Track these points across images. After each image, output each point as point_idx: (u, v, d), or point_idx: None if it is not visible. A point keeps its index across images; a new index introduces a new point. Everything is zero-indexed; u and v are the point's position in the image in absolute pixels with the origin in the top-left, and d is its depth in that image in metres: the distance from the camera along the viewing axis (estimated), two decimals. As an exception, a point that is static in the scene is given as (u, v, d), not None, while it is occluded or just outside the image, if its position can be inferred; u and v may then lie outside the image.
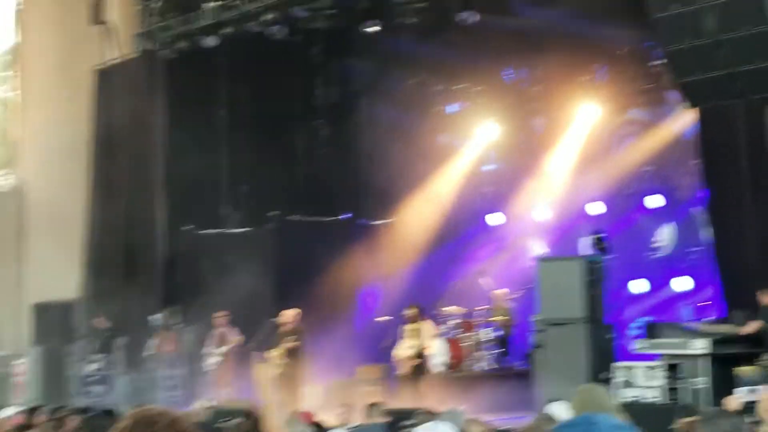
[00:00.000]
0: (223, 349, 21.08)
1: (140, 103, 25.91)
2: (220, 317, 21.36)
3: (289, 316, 19.75)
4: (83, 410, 14.24)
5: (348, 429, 11.46)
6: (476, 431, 7.72)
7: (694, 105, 18.66)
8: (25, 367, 24.18)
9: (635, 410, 11.10)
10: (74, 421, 12.09)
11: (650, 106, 24.12)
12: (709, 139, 18.63)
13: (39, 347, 23.81)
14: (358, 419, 12.52)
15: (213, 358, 21.31)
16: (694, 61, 17.36)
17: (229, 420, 13.02)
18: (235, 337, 20.99)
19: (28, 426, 12.07)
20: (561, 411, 9.79)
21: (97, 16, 26.91)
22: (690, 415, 9.80)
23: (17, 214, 30.85)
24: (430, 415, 8.72)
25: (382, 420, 9.70)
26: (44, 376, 23.31)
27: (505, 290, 23.17)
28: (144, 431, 4.19)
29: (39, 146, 30.65)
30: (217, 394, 21.12)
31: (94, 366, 24.01)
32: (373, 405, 10.00)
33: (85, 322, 24.97)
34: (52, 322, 24.19)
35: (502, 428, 13.00)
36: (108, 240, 26.03)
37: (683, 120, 22.80)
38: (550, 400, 11.55)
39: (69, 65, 30.09)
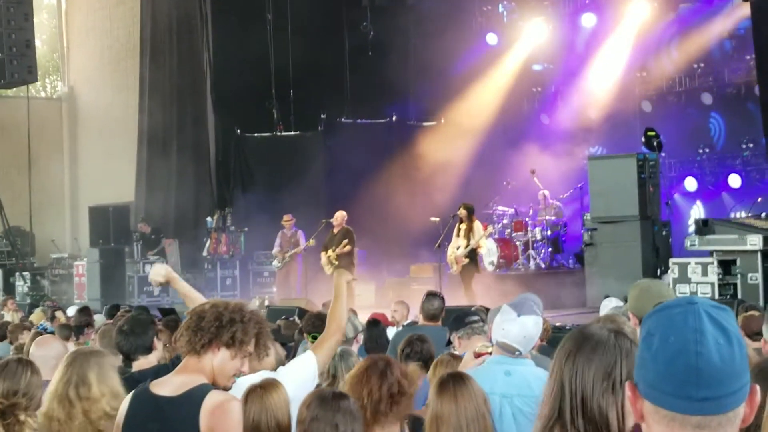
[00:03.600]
0: (292, 251, 21.17)
1: (187, 7, 25.87)
2: (288, 220, 21.38)
3: (339, 217, 19.85)
4: (143, 310, 14.46)
5: (403, 327, 11.56)
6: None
7: (747, -1, 18.37)
8: (84, 269, 24.61)
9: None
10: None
11: (702, 1, 23.69)
12: (763, 34, 18.35)
13: (96, 249, 24.20)
14: (410, 317, 12.64)
15: (280, 259, 21.40)
16: (750, -47, 17.03)
17: (284, 318, 13.21)
18: (303, 241, 21.03)
19: (89, 324, 12.30)
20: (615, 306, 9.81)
21: None
22: (747, 310, 9.82)
23: (69, 119, 31.11)
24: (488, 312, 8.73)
25: (439, 309, 9.75)
26: (102, 276, 23.73)
27: (555, 190, 23.14)
28: (197, 323, 4.33)
29: (87, 52, 30.75)
30: (278, 293, 21.36)
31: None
32: (430, 295, 10.00)
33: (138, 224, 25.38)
34: (108, 225, 24.55)
35: (556, 324, 13.11)
36: (160, 143, 26.23)
37: (736, 14, 22.44)
38: (606, 297, 11.63)
39: (114, -31, 30.00)
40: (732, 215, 20.60)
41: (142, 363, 6.19)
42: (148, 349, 6.28)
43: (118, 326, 6.66)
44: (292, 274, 21.43)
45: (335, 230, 19.79)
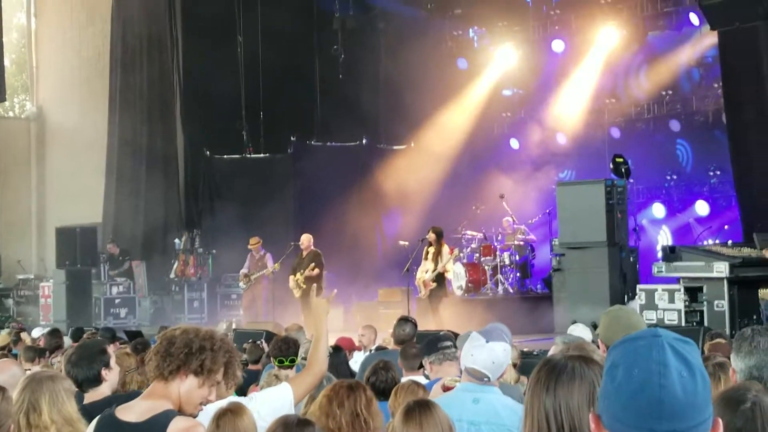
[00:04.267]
0: (258, 273, 21.11)
1: (158, 28, 25.81)
2: (255, 243, 21.30)
3: (305, 240, 19.81)
4: (108, 332, 14.37)
5: (371, 352, 11.53)
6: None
7: (715, 27, 18.52)
8: (50, 290, 24.42)
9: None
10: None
11: (671, 29, 23.90)
12: (731, 62, 18.52)
13: (62, 270, 24.01)
14: (377, 341, 12.62)
15: (246, 281, 21.33)
16: (718, -17, 17.19)
17: (251, 341, 13.14)
18: (271, 263, 20.99)
19: (59, 346, 12.22)
20: (583, 333, 9.84)
21: (113, -61, 26.69)
22: (713, 338, 9.86)
23: (37, 139, 30.91)
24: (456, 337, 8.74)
25: (410, 335, 9.74)
26: (69, 298, 23.54)
27: (524, 215, 23.20)
28: (166, 349, 4.28)
29: (57, 71, 30.59)
30: (245, 316, 21.23)
31: (117, 289, 24.26)
32: (402, 320, 10.00)
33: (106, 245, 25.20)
34: (75, 246, 24.36)
35: (524, 350, 13.11)
36: (128, 164, 26.10)
37: (704, 43, 22.65)
38: (573, 323, 11.65)
39: (85, -11, 29.90)
40: (699, 242, 20.71)
41: (92, 395, 5.92)
42: (96, 381, 5.96)
43: (68, 354, 6.43)
44: (258, 297, 21.37)
45: (304, 253, 19.74)
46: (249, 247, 21.33)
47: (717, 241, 18.47)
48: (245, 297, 21.60)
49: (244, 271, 21.33)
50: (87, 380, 5.97)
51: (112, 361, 6.11)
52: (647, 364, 2.24)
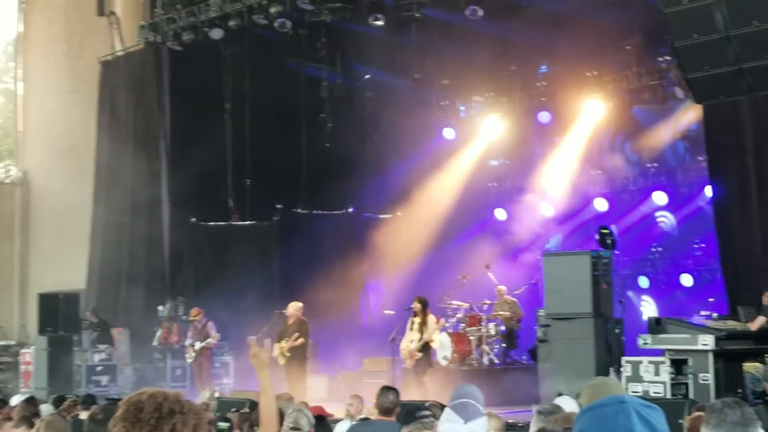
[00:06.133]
0: (202, 344, 21.13)
1: (145, 95, 25.89)
2: (196, 315, 21.40)
3: (293, 308, 19.71)
4: (89, 399, 14.23)
5: (357, 422, 11.43)
6: (494, 425, 7.67)
7: (699, 101, 18.65)
8: (31, 357, 24.19)
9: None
10: (83, 410, 12.19)
11: (656, 102, 24.11)
12: (715, 136, 18.62)
13: (45, 337, 23.80)
14: (364, 411, 12.54)
15: (192, 352, 21.36)
16: (702, 57, 17.35)
17: (235, 410, 13.02)
18: (214, 333, 21.08)
19: (34, 414, 12.06)
20: (569, 405, 9.76)
21: (102, 7, 26.92)
22: (698, 411, 9.80)
23: (22, 205, 30.86)
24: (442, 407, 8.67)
25: (394, 403, 9.67)
26: (50, 365, 23.31)
27: (510, 285, 23.16)
28: (135, 415, 4.19)
29: (43, 137, 30.66)
30: (197, 385, 21.10)
31: (99, 356, 24.02)
32: (385, 389, 9.95)
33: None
34: (58, 313, 24.17)
35: (509, 421, 13.02)
36: (113, 231, 26.03)
37: (689, 116, 22.82)
38: (559, 394, 11.57)
39: (73, 56, 30.08)
40: (685, 314, 20.69)
41: None
42: None
43: (91, 413, 6.40)
44: (205, 367, 21.41)
45: (290, 321, 19.62)
46: (190, 318, 21.48)
47: (702, 314, 18.43)
48: (195, 368, 21.65)
49: (189, 342, 21.43)
50: None
51: None
52: (614, 430, 2.24)
